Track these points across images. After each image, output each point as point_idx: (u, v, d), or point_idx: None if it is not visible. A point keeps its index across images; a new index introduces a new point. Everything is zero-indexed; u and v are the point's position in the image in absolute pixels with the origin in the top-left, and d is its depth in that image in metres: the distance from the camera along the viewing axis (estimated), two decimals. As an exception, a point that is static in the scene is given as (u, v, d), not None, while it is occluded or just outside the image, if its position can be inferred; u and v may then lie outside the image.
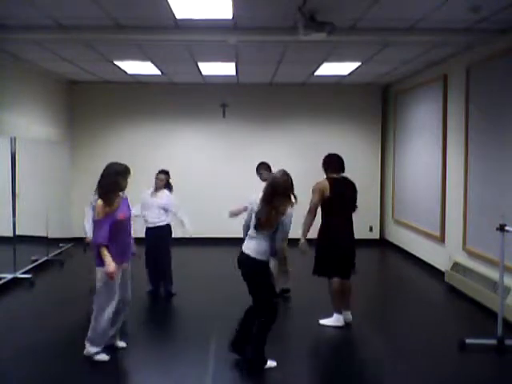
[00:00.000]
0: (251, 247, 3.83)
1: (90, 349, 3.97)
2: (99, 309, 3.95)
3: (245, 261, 3.84)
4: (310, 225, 4.80)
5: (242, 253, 3.87)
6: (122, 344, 4.23)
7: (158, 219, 5.76)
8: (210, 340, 4.18)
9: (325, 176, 4.95)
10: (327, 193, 4.76)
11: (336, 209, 4.81)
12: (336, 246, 4.80)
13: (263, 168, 5.83)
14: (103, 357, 3.96)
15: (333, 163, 4.96)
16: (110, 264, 3.80)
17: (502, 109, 5.23)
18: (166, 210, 5.77)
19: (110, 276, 3.82)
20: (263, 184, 3.95)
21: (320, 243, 4.85)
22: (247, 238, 3.92)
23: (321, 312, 5.16)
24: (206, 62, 7.14)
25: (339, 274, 4.85)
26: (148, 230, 5.82)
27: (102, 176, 3.93)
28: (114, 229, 3.86)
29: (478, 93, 5.77)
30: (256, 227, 3.79)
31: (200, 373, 3.80)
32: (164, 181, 5.85)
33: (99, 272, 3.93)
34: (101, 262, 3.86)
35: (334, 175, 4.90)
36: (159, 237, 5.78)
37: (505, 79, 5.19)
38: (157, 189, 5.83)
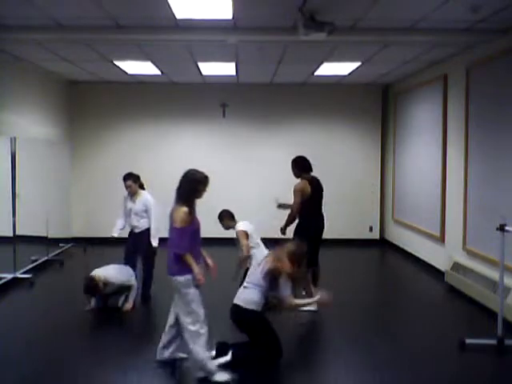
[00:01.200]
0: (241, 297, 4.00)
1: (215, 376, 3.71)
2: (194, 331, 3.71)
3: (233, 311, 4.02)
4: (293, 221, 5.23)
5: (233, 304, 4.03)
6: (183, 355, 3.98)
7: (136, 224, 5.59)
8: (210, 340, 4.17)
9: (297, 179, 5.35)
10: (308, 192, 5.14)
11: (315, 206, 5.23)
12: (317, 240, 5.30)
13: (226, 217, 5.37)
14: (225, 377, 3.71)
15: (304, 165, 5.35)
16: (200, 272, 3.68)
17: (502, 109, 5.24)
18: (145, 213, 5.56)
19: (199, 282, 3.69)
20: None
21: (307, 238, 4.99)
22: (240, 289, 4.11)
23: (320, 312, 5.17)
24: (206, 61, 7.14)
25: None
26: (130, 232, 5.72)
27: (183, 183, 3.80)
28: (192, 237, 3.74)
29: (478, 93, 5.77)
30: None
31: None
32: (132, 186, 5.53)
33: (181, 279, 3.68)
34: (181, 270, 3.66)
35: (309, 175, 5.28)
36: (136, 243, 5.60)
37: (505, 79, 5.19)
38: (132, 194, 5.58)
